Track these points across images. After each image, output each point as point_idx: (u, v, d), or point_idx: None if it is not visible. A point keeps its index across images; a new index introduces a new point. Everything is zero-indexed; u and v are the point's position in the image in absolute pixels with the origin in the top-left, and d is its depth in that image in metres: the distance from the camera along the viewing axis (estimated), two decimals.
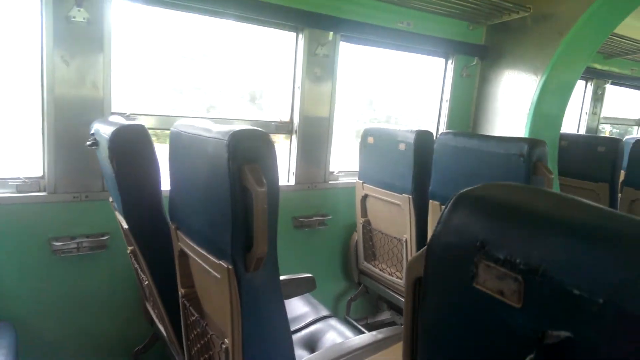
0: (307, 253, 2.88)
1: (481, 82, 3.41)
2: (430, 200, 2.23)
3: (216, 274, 1.22)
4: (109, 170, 1.52)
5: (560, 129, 3.31)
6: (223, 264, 1.18)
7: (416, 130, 2.31)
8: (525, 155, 1.78)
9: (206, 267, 1.28)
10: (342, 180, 3.00)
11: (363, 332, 2.03)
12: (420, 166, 2.30)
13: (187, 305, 1.49)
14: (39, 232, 2.00)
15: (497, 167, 1.90)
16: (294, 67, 2.70)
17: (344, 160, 3.08)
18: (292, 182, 2.79)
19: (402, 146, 2.36)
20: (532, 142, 1.78)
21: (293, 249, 2.81)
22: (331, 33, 2.68)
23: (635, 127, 5.34)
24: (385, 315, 3.05)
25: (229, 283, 1.17)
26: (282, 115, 2.76)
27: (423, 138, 2.30)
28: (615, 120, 4.91)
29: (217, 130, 1.17)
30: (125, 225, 1.58)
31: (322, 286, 2.97)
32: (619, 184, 3.25)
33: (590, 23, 2.81)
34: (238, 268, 1.16)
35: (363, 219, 2.74)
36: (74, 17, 1.93)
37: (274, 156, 1.18)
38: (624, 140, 4.19)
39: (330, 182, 2.92)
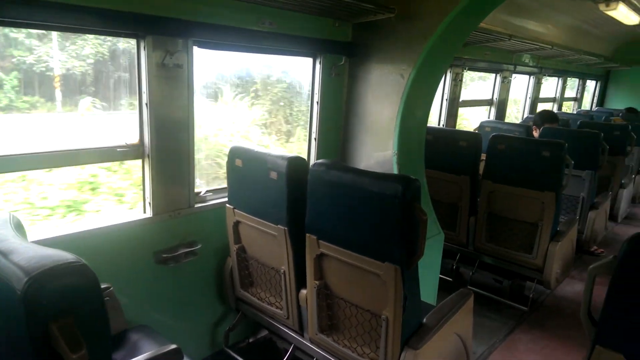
0: (176, 289, 2.56)
1: (350, 81, 3.30)
2: (307, 234, 2.07)
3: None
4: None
5: (427, 124, 3.39)
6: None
7: (288, 158, 2.10)
8: (400, 196, 1.69)
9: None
10: (213, 201, 2.69)
11: None
12: (294, 197, 2.12)
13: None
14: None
15: (372, 206, 1.80)
16: (137, 81, 2.25)
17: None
18: (148, 213, 2.40)
19: (273, 174, 2.14)
20: (405, 183, 1.70)
21: (158, 288, 2.47)
22: (180, 40, 2.28)
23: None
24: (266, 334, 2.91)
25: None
26: (128, 137, 2.31)
27: (295, 167, 2.10)
28: (470, 103, 5.30)
29: None
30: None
31: (198, 318, 2.72)
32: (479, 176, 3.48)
33: (454, 25, 2.83)
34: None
35: (237, 246, 2.50)
36: None
37: None
38: (480, 123, 4.55)
39: (197, 205, 2.60)
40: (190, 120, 2.44)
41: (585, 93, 8.95)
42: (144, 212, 2.41)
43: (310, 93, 3.20)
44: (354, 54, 3.23)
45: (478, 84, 6.42)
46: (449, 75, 4.75)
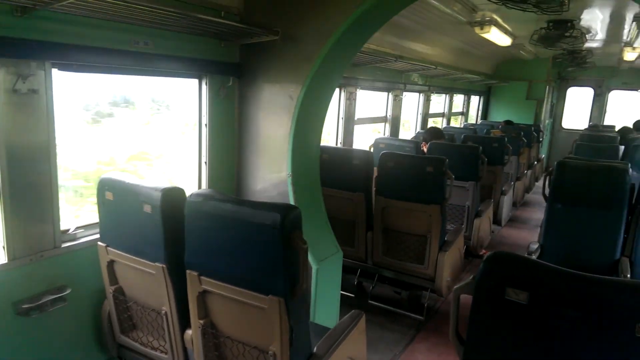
0: (44, 342, 2.24)
1: (242, 102, 3.22)
2: (188, 271, 1.92)
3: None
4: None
5: (320, 143, 3.41)
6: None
7: (162, 189, 1.94)
8: (279, 227, 1.63)
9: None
10: (84, 238, 2.42)
11: None
12: (172, 231, 1.97)
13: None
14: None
15: (251, 237, 1.72)
16: None
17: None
18: (2, 258, 2.08)
19: (147, 208, 1.97)
20: (284, 211, 1.64)
21: (20, 344, 2.14)
22: (34, 62, 2.03)
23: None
24: None
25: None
26: None
27: (171, 198, 1.95)
28: (366, 120, 5.50)
29: None
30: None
31: None
32: (373, 192, 3.58)
33: (338, 46, 2.88)
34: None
35: (113, 287, 2.26)
36: None
37: None
38: (375, 140, 4.72)
39: (65, 245, 2.31)
40: (51, 149, 2.17)
41: (471, 107, 9.81)
42: None
43: (199, 116, 3.06)
44: (242, 74, 3.16)
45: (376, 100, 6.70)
46: (343, 95, 4.88)
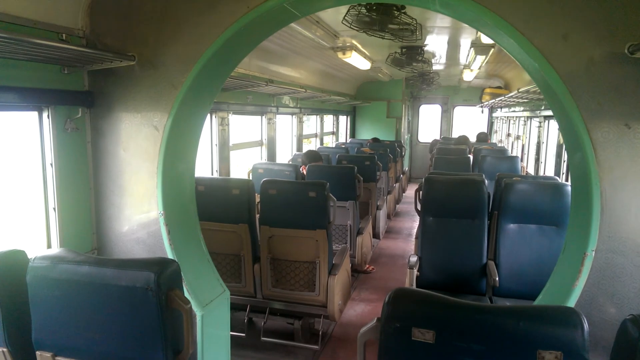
0: None
1: (95, 136, 2.80)
2: (38, 352, 1.52)
3: None
4: None
5: (194, 174, 3.14)
6: None
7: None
8: (153, 287, 1.37)
9: None
10: None
11: None
12: (14, 306, 1.55)
13: None
14: None
15: (118, 305, 1.42)
16: None
17: None
18: None
19: None
20: (159, 268, 1.39)
21: None
22: None
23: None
24: None
25: None
26: None
27: (10, 265, 1.54)
28: (241, 145, 5.33)
29: None
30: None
31: None
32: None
33: (206, 72, 2.68)
34: None
35: None
36: None
37: None
38: (253, 165, 4.56)
39: None
40: None
41: (340, 127, 10.30)
42: None
43: (41, 155, 2.57)
44: (94, 104, 2.76)
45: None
46: (215, 120, 4.65)
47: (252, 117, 5.78)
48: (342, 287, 3.45)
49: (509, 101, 7.83)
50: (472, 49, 5.93)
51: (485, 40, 5.34)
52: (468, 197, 3.29)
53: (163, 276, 1.40)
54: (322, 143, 8.52)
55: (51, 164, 2.58)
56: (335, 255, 3.56)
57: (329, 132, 9.43)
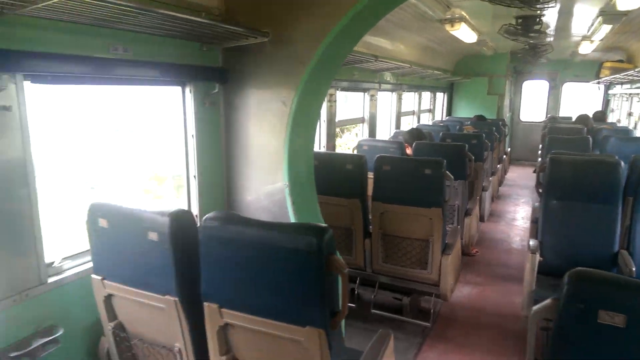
0: None
1: (228, 110, 3.01)
2: (205, 303, 1.72)
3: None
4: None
5: (313, 149, 3.26)
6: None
7: (169, 213, 1.72)
8: (315, 250, 1.47)
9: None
10: (72, 270, 2.14)
11: None
12: (184, 260, 1.75)
13: None
14: None
15: (282, 264, 1.54)
16: None
17: None
18: None
19: (152, 235, 1.75)
20: (319, 233, 1.49)
21: None
22: (5, 75, 1.76)
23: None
24: None
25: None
26: None
27: (181, 223, 1.74)
28: (345, 122, 5.39)
29: None
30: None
31: None
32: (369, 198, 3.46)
33: (332, 47, 2.74)
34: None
35: (112, 324, 2.00)
36: None
37: None
38: (358, 142, 4.61)
39: (51, 279, 2.04)
40: (29, 172, 1.90)
41: (436, 104, 9.96)
42: None
43: (184, 127, 2.82)
44: (227, 80, 2.95)
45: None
46: None
47: (348, 94, 5.78)
48: (454, 267, 3.41)
49: (636, 76, 6.97)
50: (599, 17, 5.34)
51: (621, 6, 4.77)
52: (600, 180, 3.03)
53: (323, 241, 1.49)
54: (419, 121, 8.31)
55: (192, 136, 2.83)
56: (447, 234, 3.51)
57: (425, 109, 9.16)
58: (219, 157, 3.03)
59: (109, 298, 1.98)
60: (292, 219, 2.91)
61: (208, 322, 1.74)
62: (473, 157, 4.33)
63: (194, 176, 2.88)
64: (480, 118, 8.25)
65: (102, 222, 1.88)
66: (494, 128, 6.87)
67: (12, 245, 1.87)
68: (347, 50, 3.16)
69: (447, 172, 3.28)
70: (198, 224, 1.85)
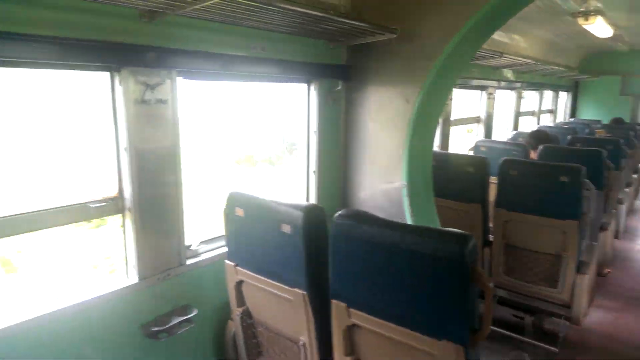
0: None
1: (348, 107, 3.00)
2: (333, 301, 1.71)
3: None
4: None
5: (432, 149, 3.13)
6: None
7: (303, 208, 1.74)
8: (458, 259, 1.37)
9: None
10: (206, 254, 2.29)
11: None
12: (314, 255, 1.76)
13: None
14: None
15: (420, 270, 1.47)
16: (113, 122, 1.86)
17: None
18: (133, 278, 1.98)
19: (286, 228, 1.78)
20: (463, 241, 1.39)
21: None
22: (164, 71, 1.91)
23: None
24: None
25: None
26: (103, 189, 1.90)
27: (314, 218, 1.75)
28: (460, 121, 5.13)
29: None
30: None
31: None
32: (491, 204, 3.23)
33: (462, 43, 2.59)
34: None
35: (240, 309, 2.10)
36: None
37: None
38: (475, 143, 4.35)
39: (189, 261, 2.20)
40: (177, 161, 2.07)
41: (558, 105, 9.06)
42: (127, 276, 1.99)
43: (307, 124, 2.87)
44: (351, 77, 2.94)
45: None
46: None
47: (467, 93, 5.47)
48: (589, 288, 3.04)
49: None
50: None
51: None
52: None
53: (467, 250, 1.39)
54: (539, 122, 7.63)
55: (315, 132, 2.87)
56: (583, 250, 3.14)
57: (546, 110, 8.38)
58: (337, 154, 3.04)
59: (239, 284, 2.07)
60: (409, 221, 2.82)
61: (335, 320, 1.72)
62: (612, 165, 3.82)
63: (314, 171, 2.92)
64: (618, 121, 7.29)
65: (239, 211, 1.97)
66: (632, 133, 6.02)
67: (162, 227, 2.04)
68: (476, 48, 2.98)
69: (587, 181, 2.93)
70: None
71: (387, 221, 1.62)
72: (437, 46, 2.60)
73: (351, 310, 1.67)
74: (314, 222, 1.75)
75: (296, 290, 1.80)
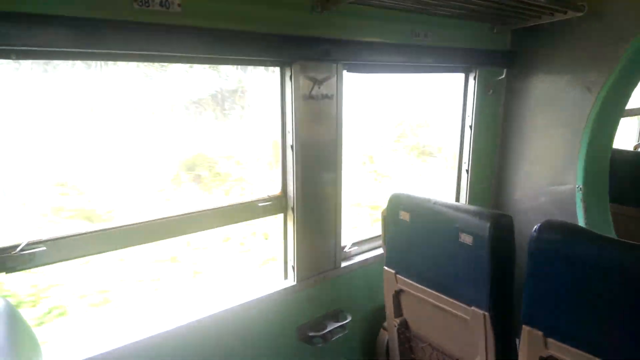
0: None
1: (509, 98, 2.66)
2: (525, 326, 1.46)
3: None
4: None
5: (612, 146, 2.64)
6: None
7: (490, 216, 1.52)
8: None
9: None
10: (358, 257, 2.18)
11: None
12: (500, 271, 1.53)
13: None
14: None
15: None
16: (281, 117, 1.81)
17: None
18: (291, 280, 1.94)
19: (466, 238, 1.57)
20: None
21: None
22: (334, 65, 1.81)
23: None
24: None
25: None
26: (269, 188, 1.88)
27: (502, 229, 1.52)
28: (634, 111, 4.38)
29: None
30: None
31: None
32: None
33: None
34: None
35: (397, 320, 1.94)
36: None
37: None
38: None
39: (344, 264, 2.10)
40: (338, 159, 1.97)
41: None
42: (285, 278, 1.96)
43: (462, 116, 2.60)
44: (515, 65, 2.59)
45: None
46: None
47: None
48: None
49: None
50: None
51: None
52: None
53: None
54: None
55: (470, 127, 2.59)
56: None
57: None
58: (493, 150, 2.73)
59: (398, 293, 1.92)
60: None
61: (527, 349, 1.47)
62: None
63: (466, 170, 2.65)
64: None
65: (404, 215, 1.80)
66: None
67: (321, 227, 1.97)
68: None
69: None
70: None
71: (607, 238, 1.32)
72: (632, 25, 2.15)
73: (549, 340, 1.41)
74: (501, 233, 1.52)
75: (475, 309, 1.59)
